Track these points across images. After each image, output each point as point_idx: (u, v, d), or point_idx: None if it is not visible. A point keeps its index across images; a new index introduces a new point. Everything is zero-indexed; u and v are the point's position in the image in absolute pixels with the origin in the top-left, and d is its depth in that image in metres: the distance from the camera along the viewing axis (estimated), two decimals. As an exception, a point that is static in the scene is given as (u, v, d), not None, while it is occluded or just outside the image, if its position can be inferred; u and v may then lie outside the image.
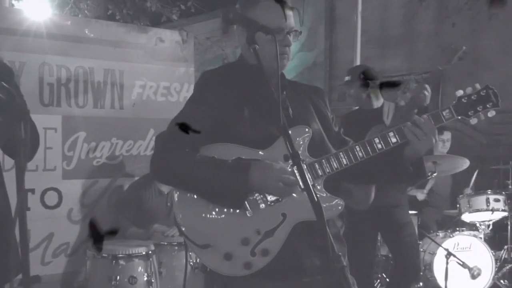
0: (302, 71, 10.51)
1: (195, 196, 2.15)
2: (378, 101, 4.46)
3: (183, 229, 2.16)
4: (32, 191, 4.32)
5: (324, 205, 2.11)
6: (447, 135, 6.11)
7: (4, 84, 1.88)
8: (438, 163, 5.23)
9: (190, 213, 2.16)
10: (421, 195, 6.20)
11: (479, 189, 5.66)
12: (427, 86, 3.91)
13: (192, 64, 5.25)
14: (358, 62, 7.38)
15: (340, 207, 2.16)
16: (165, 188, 4.43)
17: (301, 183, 2.08)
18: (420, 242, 5.57)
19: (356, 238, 4.14)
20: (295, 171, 2.08)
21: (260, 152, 2.16)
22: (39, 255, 4.39)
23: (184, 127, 2.21)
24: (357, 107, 4.69)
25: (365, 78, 4.40)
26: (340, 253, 1.68)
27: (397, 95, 9.51)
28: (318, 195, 1.79)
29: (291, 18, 2.25)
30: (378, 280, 5.38)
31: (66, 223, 4.53)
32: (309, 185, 1.74)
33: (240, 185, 2.08)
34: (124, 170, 4.84)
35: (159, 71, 5.01)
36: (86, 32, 4.64)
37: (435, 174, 5.25)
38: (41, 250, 4.40)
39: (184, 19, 6.83)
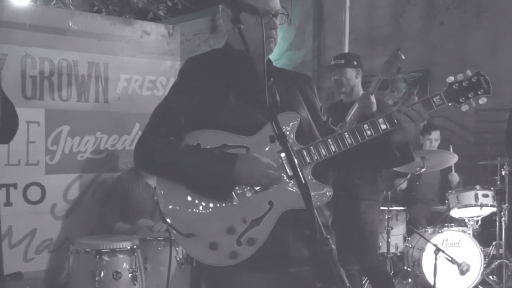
0: (291, 70, 10.49)
1: (178, 187, 2.09)
2: (354, 95, 4.31)
3: (167, 218, 2.11)
4: (15, 186, 4.22)
5: (312, 193, 2.05)
6: (435, 135, 6.06)
7: None
8: (426, 158, 5.21)
9: (175, 201, 2.10)
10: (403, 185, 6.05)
11: (468, 186, 5.63)
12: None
13: (178, 57, 5.17)
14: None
15: (328, 195, 2.10)
16: (152, 181, 4.36)
17: (287, 169, 2.03)
18: (409, 238, 5.55)
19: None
20: (282, 157, 2.02)
21: (246, 139, 2.10)
22: (21, 251, 4.29)
23: (168, 114, 2.16)
24: (337, 101, 4.60)
25: (358, 66, 4.33)
26: (328, 236, 1.62)
27: (385, 93, 9.51)
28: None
29: (277, 1, 2.19)
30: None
31: (49, 219, 4.43)
32: (296, 167, 1.68)
33: (226, 177, 2.03)
34: (109, 165, 4.74)
35: (144, 65, 4.91)
36: (70, 24, 4.54)
37: (423, 169, 5.23)
38: (23, 246, 4.30)
39: (171, 17, 6.75)
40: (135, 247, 3.71)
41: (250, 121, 2.10)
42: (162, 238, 3.93)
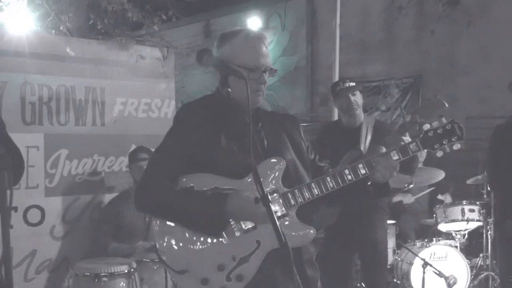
0: (284, 75, 10.62)
1: (173, 225, 2.25)
2: (360, 119, 4.36)
3: (162, 256, 2.26)
4: (15, 209, 4.35)
5: (296, 233, 2.22)
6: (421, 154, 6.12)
7: None
8: (414, 174, 5.35)
9: (169, 241, 2.26)
10: (408, 199, 6.19)
11: (457, 199, 5.79)
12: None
13: (172, 80, 5.33)
14: (337, 67, 7.45)
15: (311, 235, 2.26)
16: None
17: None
18: (398, 251, 5.70)
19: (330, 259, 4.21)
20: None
21: (236, 182, 2.26)
22: (22, 271, 4.44)
23: (164, 160, 2.32)
24: (334, 120, 4.68)
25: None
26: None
27: (378, 99, 9.66)
28: (289, 223, 1.90)
29: (267, 57, 2.35)
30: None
31: (49, 240, 4.58)
32: (277, 227, 1.84)
33: (218, 215, 2.18)
34: (105, 186, 4.90)
35: (140, 88, 5.08)
36: (67, 50, 4.70)
37: (411, 186, 5.38)
38: (24, 266, 4.45)
39: (165, 24, 6.86)
40: (132, 270, 3.86)
41: (240, 165, 2.25)
42: (157, 260, 4.04)
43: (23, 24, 6.35)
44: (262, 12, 10.73)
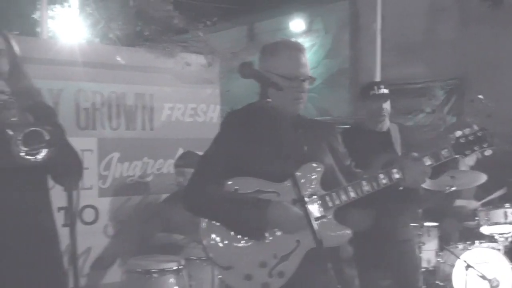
0: (327, 78, 10.70)
1: (219, 225, 2.43)
2: (387, 124, 4.34)
3: (209, 253, 2.45)
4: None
5: (334, 234, 2.37)
6: (470, 160, 6.06)
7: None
8: (456, 177, 5.41)
9: (215, 239, 2.44)
10: (473, 204, 6.19)
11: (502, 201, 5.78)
12: None
13: (217, 85, 5.54)
14: (378, 70, 7.54)
15: (348, 235, 2.41)
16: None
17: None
18: (441, 254, 5.74)
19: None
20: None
21: (277, 185, 2.42)
22: (78, 268, 4.68)
23: (210, 164, 2.50)
24: (355, 124, 4.61)
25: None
26: (339, 286, 1.93)
27: (422, 101, 9.67)
28: (327, 225, 2.05)
29: (306, 67, 2.51)
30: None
31: (102, 238, 4.83)
32: (312, 225, 1.99)
33: (259, 221, 2.36)
34: (154, 188, 5.13)
35: (186, 93, 5.30)
36: (118, 59, 4.95)
37: (453, 188, 5.43)
38: (80, 262, 4.71)
39: (208, 28, 7.06)
40: (181, 267, 4.06)
41: (281, 169, 2.41)
42: (205, 257, 4.25)
43: (75, 32, 6.69)
44: (304, 15, 10.85)
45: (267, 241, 2.40)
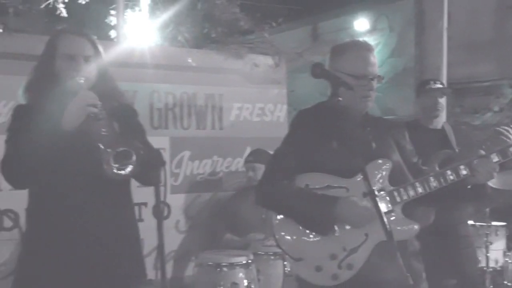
0: (392, 77, 10.62)
1: (291, 221, 2.56)
2: (441, 121, 4.43)
3: (281, 245, 2.58)
4: (145, 204, 4.81)
5: (401, 228, 2.46)
6: None
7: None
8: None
9: (288, 233, 2.57)
10: None
11: None
12: None
13: (284, 85, 5.68)
14: (445, 68, 7.50)
15: (415, 230, 2.49)
16: (261, 202, 4.87)
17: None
18: (509, 253, 5.68)
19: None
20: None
21: (346, 180, 2.53)
22: (151, 261, 4.90)
23: (282, 162, 2.64)
24: (410, 121, 4.67)
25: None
26: (408, 274, 2.02)
27: (490, 100, 9.50)
28: (395, 219, 2.14)
29: (374, 66, 2.61)
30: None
31: (174, 233, 5.04)
32: (383, 220, 2.09)
33: (328, 218, 2.47)
34: (223, 185, 5.32)
35: (254, 94, 5.46)
36: (189, 61, 5.16)
37: (522, 187, 5.35)
38: (153, 257, 4.90)
39: (273, 29, 7.20)
40: (250, 261, 4.21)
41: (349, 165, 2.51)
42: (272, 253, 4.40)
43: (145, 36, 6.96)
44: (369, 14, 10.82)
45: (336, 234, 2.50)
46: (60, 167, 2.54)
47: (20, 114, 2.67)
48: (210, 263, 4.17)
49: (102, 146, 2.37)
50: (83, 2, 8.27)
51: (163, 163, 2.39)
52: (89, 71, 2.67)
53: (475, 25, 9.52)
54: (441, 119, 4.38)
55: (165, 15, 7.50)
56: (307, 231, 2.54)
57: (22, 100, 2.71)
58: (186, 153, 5.08)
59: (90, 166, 2.52)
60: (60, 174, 2.57)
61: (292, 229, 2.56)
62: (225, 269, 4.12)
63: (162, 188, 2.53)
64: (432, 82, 4.37)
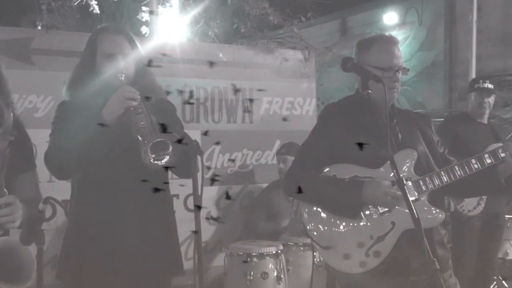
0: (421, 70, 10.59)
1: (320, 209, 2.65)
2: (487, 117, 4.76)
3: (310, 233, 2.67)
4: (177, 196, 4.90)
5: (426, 216, 2.53)
6: None
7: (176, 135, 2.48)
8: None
9: (316, 221, 2.66)
10: None
11: None
12: None
13: (313, 79, 5.76)
14: (474, 62, 7.49)
15: (441, 218, 2.56)
16: (291, 195, 4.98)
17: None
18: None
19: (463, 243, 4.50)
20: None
21: (372, 171, 2.60)
22: (183, 251, 5.00)
23: (310, 152, 2.73)
24: (462, 112, 4.95)
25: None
26: (434, 259, 2.09)
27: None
28: (420, 208, 2.22)
29: (400, 58, 2.68)
30: (495, 283, 5.54)
31: (205, 224, 5.15)
32: (411, 205, 2.16)
33: (355, 199, 2.55)
34: (253, 178, 5.42)
35: (284, 88, 5.56)
36: (220, 56, 5.27)
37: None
38: (184, 247, 5.01)
39: (301, 23, 7.26)
40: (279, 251, 4.31)
41: (376, 156, 2.60)
42: (301, 244, 4.50)
43: (176, 31, 7.08)
44: (398, 7, 10.79)
45: (363, 223, 2.58)
46: (101, 158, 2.67)
47: (64, 110, 2.82)
48: (240, 253, 4.28)
49: (140, 138, 2.50)
50: (115, -1, 8.45)
51: (200, 153, 2.48)
52: (128, 67, 2.80)
53: (507, 18, 9.44)
54: (487, 116, 4.74)
55: (196, 11, 7.62)
56: (336, 221, 2.62)
57: (65, 96, 2.85)
58: (217, 146, 5.20)
59: (130, 158, 2.65)
60: (101, 166, 2.70)
61: (321, 219, 2.65)
62: (255, 259, 4.23)
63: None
64: (481, 81, 4.72)
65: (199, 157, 2.50)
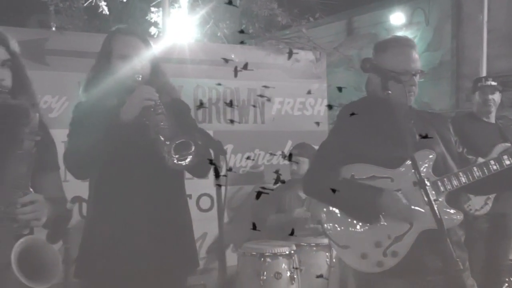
0: (428, 71, 10.57)
1: (337, 210, 2.68)
2: (494, 117, 4.74)
3: (329, 233, 2.69)
4: (190, 196, 4.93)
5: (445, 217, 2.54)
6: None
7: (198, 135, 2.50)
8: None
9: (334, 222, 2.68)
10: None
11: None
12: None
13: (324, 80, 5.77)
14: (484, 62, 7.48)
15: (458, 219, 2.57)
16: (303, 195, 4.99)
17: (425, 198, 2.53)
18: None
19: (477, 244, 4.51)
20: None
21: (390, 171, 2.62)
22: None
23: (328, 153, 2.75)
24: (469, 112, 4.94)
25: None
26: (458, 259, 2.11)
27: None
28: (439, 208, 2.24)
29: (417, 62, 2.70)
30: (506, 284, 5.53)
31: (217, 224, 5.16)
32: (433, 206, 2.18)
33: (373, 207, 2.57)
34: (265, 178, 5.44)
35: (295, 88, 5.57)
36: (232, 56, 5.28)
37: None
38: (197, 247, 5.07)
39: (308, 23, 7.27)
40: (292, 251, 4.33)
41: (394, 156, 2.62)
42: (314, 244, 4.52)
43: (186, 32, 7.11)
44: (405, 7, 10.77)
45: (381, 223, 2.60)
46: (119, 158, 2.70)
47: (80, 111, 2.85)
48: (253, 253, 4.30)
49: (162, 138, 2.52)
50: (124, 0, 8.49)
51: (224, 153, 2.51)
52: (144, 68, 2.83)
53: (515, 18, 9.43)
54: (494, 115, 4.72)
55: (204, 12, 7.65)
56: (354, 221, 2.64)
57: (82, 98, 2.88)
58: (229, 146, 5.22)
59: (147, 157, 2.68)
60: (118, 165, 2.73)
61: (339, 218, 2.68)
62: (268, 259, 4.25)
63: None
64: (484, 79, 4.75)
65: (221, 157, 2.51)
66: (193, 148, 2.51)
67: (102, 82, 2.82)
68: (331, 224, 2.69)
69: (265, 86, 5.00)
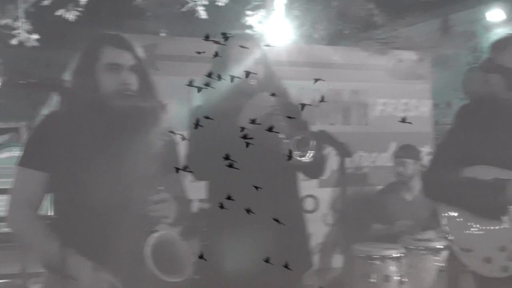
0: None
1: (460, 212, 2.62)
2: None
3: (449, 237, 2.64)
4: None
5: None
6: None
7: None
8: None
9: (457, 225, 2.63)
10: None
11: None
12: None
13: (429, 80, 5.65)
14: None
15: None
16: (408, 196, 4.91)
17: None
18: None
19: None
20: None
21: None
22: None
23: (445, 152, 2.70)
24: None
25: None
26: None
27: None
28: None
29: None
30: None
31: (321, 226, 5.20)
32: None
33: (498, 201, 2.49)
34: (369, 180, 5.40)
35: (398, 89, 5.50)
36: (335, 58, 5.29)
37: None
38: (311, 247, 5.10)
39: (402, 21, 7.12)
40: (401, 255, 4.26)
41: None
42: (423, 248, 4.42)
43: (282, 34, 7.14)
44: (504, 3, 10.36)
45: (507, 226, 2.52)
46: (238, 161, 2.75)
47: (199, 113, 2.93)
48: (362, 255, 4.27)
49: (282, 137, 2.56)
50: (221, 4, 8.63)
51: (350, 155, 2.53)
52: (259, 72, 2.89)
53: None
54: None
55: (301, 14, 7.65)
56: (476, 224, 2.58)
57: (199, 101, 2.98)
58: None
59: (268, 158, 2.73)
60: (236, 166, 2.79)
61: (461, 221, 2.62)
62: (377, 261, 4.21)
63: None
64: None
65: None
66: (312, 143, 2.53)
67: (219, 85, 2.89)
68: (452, 227, 2.64)
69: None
